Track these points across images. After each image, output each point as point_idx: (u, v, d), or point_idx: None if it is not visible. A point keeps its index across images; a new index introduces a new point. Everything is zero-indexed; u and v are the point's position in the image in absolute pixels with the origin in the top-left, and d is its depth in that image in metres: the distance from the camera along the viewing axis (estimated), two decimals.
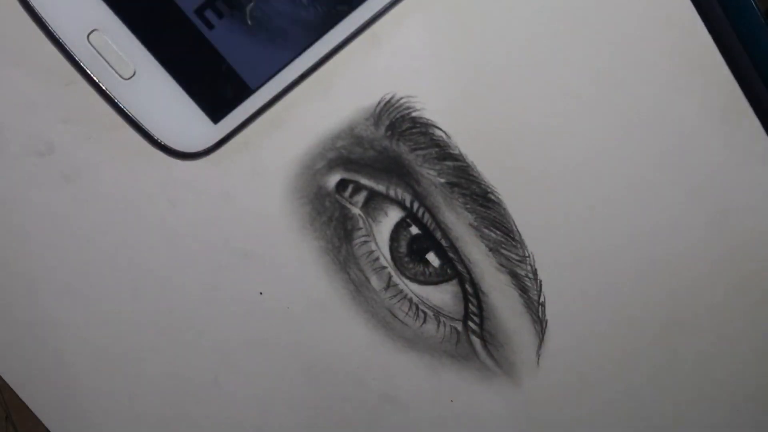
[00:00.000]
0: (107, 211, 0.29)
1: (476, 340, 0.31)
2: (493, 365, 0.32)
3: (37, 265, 0.30)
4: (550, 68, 0.27)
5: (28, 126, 0.28)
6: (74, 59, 0.25)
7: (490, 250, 0.30)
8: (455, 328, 0.31)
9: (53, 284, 0.30)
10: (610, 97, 0.28)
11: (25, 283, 0.30)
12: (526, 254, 0.30)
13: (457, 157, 0.28)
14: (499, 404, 0.32)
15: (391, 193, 0.29)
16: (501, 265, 0.30)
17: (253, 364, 0.32)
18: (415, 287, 0.30)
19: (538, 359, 0.32)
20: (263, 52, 0.26)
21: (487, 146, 0.28)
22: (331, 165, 0.29)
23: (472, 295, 0.30)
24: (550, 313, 0.31)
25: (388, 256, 0.30)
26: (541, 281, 0.30)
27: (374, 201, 0.29)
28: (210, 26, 0.25)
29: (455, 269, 0.30)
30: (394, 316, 0.31)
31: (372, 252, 0.30)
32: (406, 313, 0.31)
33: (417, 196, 0.29)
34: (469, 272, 0.30)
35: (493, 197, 0.29)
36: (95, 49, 0.25)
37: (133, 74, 0.25)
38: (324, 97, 0.27)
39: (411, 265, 0.30)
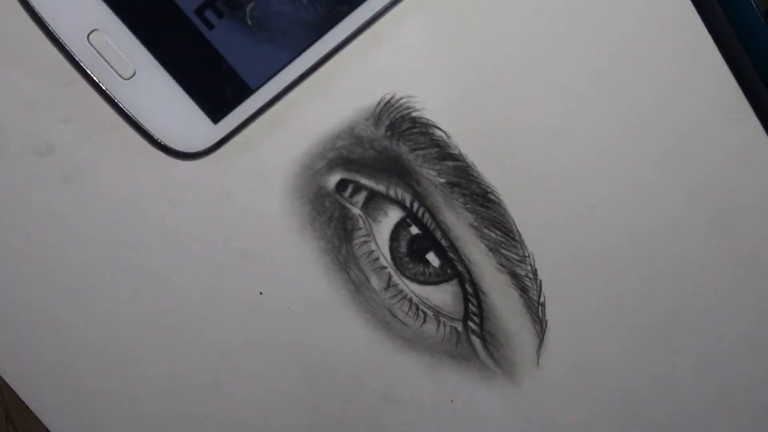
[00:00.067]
0: (107, 211, 0.29)
1: (476, 340, 0.31)
2: (493, 365, 0.32)
3: (37, 265, 0.30)
4: (550, 68, 0.27)
5: (28, 126, 0.28)
6: (74, 59, 0.25)
7: (490, 250, 0.30)
8: (455, 328, 0.31)
9: (53, 284, 0.30)
10: (610, 97, 0.28)
11: (26, 283, 0.30)
12: (526, 254, 0.30)
13: (457, 157, 0.28)
14: (499, 404, 0.32)
15: (391, 193, 0.29)
16: (501, 265, 0.30)
17: (253, 364, 0.32)
18: (415, 287, 0.30)
19: (538, 359, 0.32)
20: (263, 52, 0.26)
21: (487, 146, 0.28)
22: (331, 165, 0.29)
23: (472, 295, 0.30)
24: (550, 313, 0.31)
25: (388, 256, 0.30)
26: (541, 281, 0.30)
27: (374, 201, 0.29)
28: (210, 26, 0.25)
29: (455, 269, 0.30)
30: (394, 316, 0.31)
31: (372, 252, 0.30)
32: (406, 313, 0.31)
33: (417, 196, 0.29)
34: (469, 272, 0.30)
35: (493, 197, 0.29)
36: (95, 49, 0.25)
37: (133, 74, 0.25)
38: (324, 97, 0.27)
39: (411, 265, 0.30)
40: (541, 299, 0.30)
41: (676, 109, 0.28)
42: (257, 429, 0.33)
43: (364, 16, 0.26)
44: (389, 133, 0.28)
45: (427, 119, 0.28)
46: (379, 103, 0.28)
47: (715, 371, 0.32)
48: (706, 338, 0.31)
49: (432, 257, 0.30)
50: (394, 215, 0.29)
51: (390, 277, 0.30)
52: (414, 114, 0.28)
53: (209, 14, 0.25)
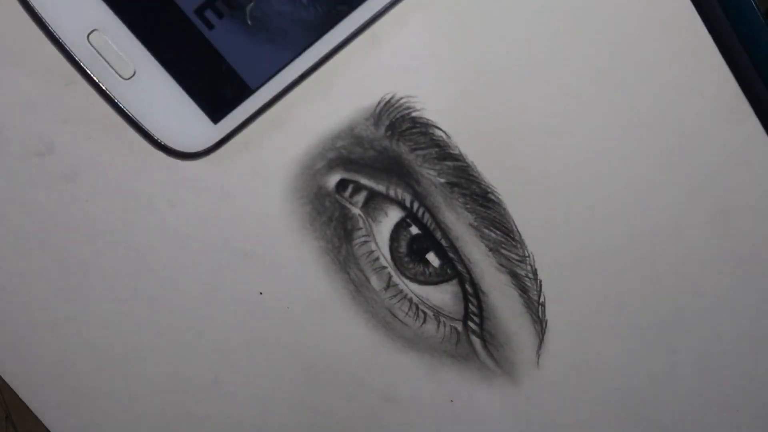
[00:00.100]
0: (107, 212, 0.29)
1: (476, 340, 0.31)
2: (493, 365, 0.32)
3: (37, 265, 0.30)
4: (550, 68, 0.27)
5: (28, 126, 0.28)
6: (74, 59, 0.25)
7: (490, 250, 0.30)
8: (455, 328, 0.31)
9: (53, 284, 0.30)
10: (610, 97, 0.28)
11: (25, 283, 0.30)
12: (526, 254, 0.30)
13: (457, 157, 0.28)
14: (499, 404, 0.32)
15: (391, 193, 0.29)
16: (501, 265, 0.30)
17: (253, 364, 0.32)
18: (415, 287, 0.30)
19: (538, 359, 0.32)
20: (263, 52, 0.26)
21: (487, 146, 0.28)
22: (331, 165, 0.29)
23: (472, 295, 0.30)
24: (550, 313, 0.31)
25: (388, 256, 0.30)
26: (541, 281, 0.30)
27: (374, 201, 0.29)
28: (210, 26, 0.25)
29: (455, 269, 0.30)
30: (394, 316, 0.31)
31: (372, 252, 0.30)
32: (406, 313, 0.31)
33: (417, 196, 0.29)
34: (469, 272, 0.30)
35: (493, 197, 0.29)
36: (95, 49, 0.25)
37: (133, 74, 0.25)
38: (324, 97, 0.27)
39: (411, 265, 0.30)
40: (541, 299, 0.30)
41: (676, 109, 0.28)
42: (257, 429, 0.33)
43: (364, 16, 0.26)
44: (389, 133, 0.28)
45: (427, 119, 0.28)
46: (379, 103, 0.28)
47: (715, 371, 0.32)
48: (706, 338, 0.31)
49: (432, 257, 0.30)
50: (394, 215, 0.29)
51: (390, 277, 0.30)
52: (414, 114, 0.28)
53: (209, 14, 0.25)
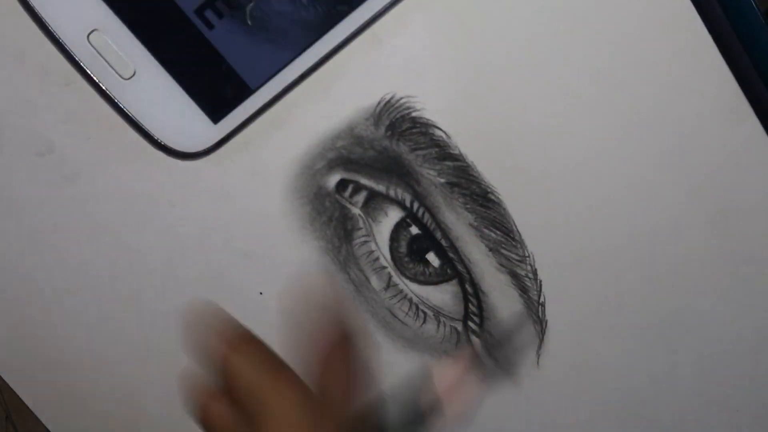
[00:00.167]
0: (107, 211, 0.29)
1: (476, 340, 0.31)
2: (493, 365, 0.32)
3: (37, 265, 0.30)
4: (550, 68, 0.27)
5: (28, 126, 0.28)
6: (74, 59, 0.25)
7: (490, 250, 0.30)
8: (455, 328, 0.31)
9: (53, 284, 0.30)
10: (610, 97, 0.28)
11: (26, 283, 0.30)
12: (526, 254, 0.30)
13: (457, 157, 0.28)
14: (499, 404, 0.32)
15: (391, 193, 0.29)
16: (501, 265, 0.30)
17: None
18: (415, 287, 0.30)
19: (538, 359, 0.32)
20: (263, 52, 0.26)
21: (487, 146, 0.28)
22: (331, 165, 0.29)
23: (472, 295, 0.30)
24: (550, 313, 0.31)
25: (388, 256, 0.30)
26: (541, 281, 0.30)
27: (374, 201, 0.29)
28: (210, 26, 0.25)
29: (455, 269, 0.30)
30: (394, 316, 0.31)
31: (372, 252, 0.30)
32: (406, 313, 0.31)
33: (417, 196, 0.29)
34: (469, 272, 0.30)
35: (493, 197, 0.29)
36: (95, 49, 0.25)
37: (133, 74, 0.25)
38: (324, 97, 0.27)
39: (411, 265, 0.30)
40: (541, 299, 0.30)
41: (676, 109, 0.28)
42: None
43: (364, 16, 0.26)
44: (389, 133, 0.28)
45: (427, 119, 0.28)
46: (379, 103, 0.28)
47: (715, 371, 0.32)
48: (706, 338, 0.31)
49: (432, 257, 0.30)
50: (394, 215, 0.29)
51: (390, 277, 0.30)
52: (414, 114, 0.28)
53: (209, 14, 0.25)
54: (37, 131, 0.28)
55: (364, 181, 0.29)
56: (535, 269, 0.30)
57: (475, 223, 0.29)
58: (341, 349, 0.26)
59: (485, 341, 0.31)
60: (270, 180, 0.29)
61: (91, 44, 0.25)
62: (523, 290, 0.30)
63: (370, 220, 0.29)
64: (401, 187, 0.29)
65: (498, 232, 0.29)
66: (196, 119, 0.26)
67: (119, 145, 0.28)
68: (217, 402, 0.24)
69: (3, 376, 0.31)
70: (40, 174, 0.28)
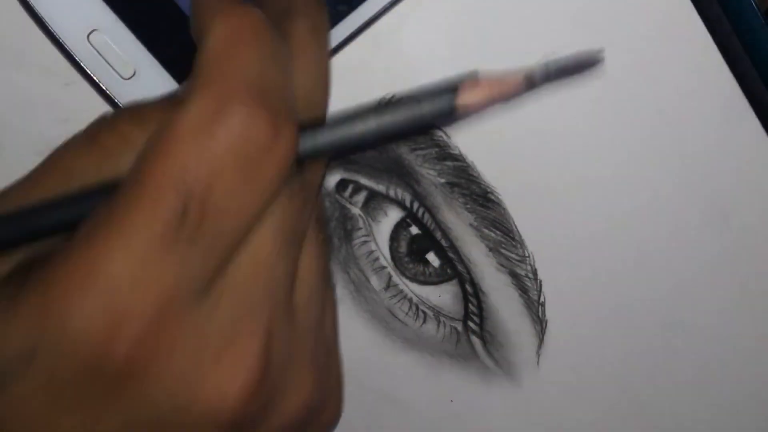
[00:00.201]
0: None
1: (476, 340, 0.31)
2: (493, 365, 0.32)
3: None
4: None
5: (28, 126, 0.28)
6: (74, 59, 0.25)
7: (490, 250, 0.30)
8: (455, 328, 0.31)
9: None
10: (610, 98, 0.28)
11: None
12: (526, 254, 0.30)
13: (457, 157, 0.28)
14: (499, 404, 0.32)
15: (391, 193, 0.29)
16: (501, 265, 0.30)
17: None
18: (415, 287, 0.30)
19: (538, 359, 0.31)
20: None
21: (487, 146, 0.28)
22: (331, 165, 0.29)
23: (472, 295, 0.30)
24: (550, 313, 0.31)
25: (388, 256, 0.30)
26: (541, 281, 0.30)
27: (374, 201, 0.29)
28: None
29: (455, 269, 0.30)
30: (394, 316, 0.31)
31: (372, 252, 0.30)
32: (406, 313, 0.31)
33: (417, 196, 0.29)
34: (469, 272, 0.30)
35: (493, 197, 0.29)
36: (95, 49, 0.25)
37: (133, 74, 0.25)
38: None
39: (411, 265, 0.30)
40: (541, 299, 0.30)
41: (675, 109, 0.28)
42: None
43: (364, 16, 0.26)
44: None
45: None
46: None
47: (715, 371, 0.32)
48: (706, 338, 0.31)
49: (432, 257, 0.30)
50: (394, 215, 0.29)
51: (390, 277, 0.30)
52: None
53: None
54: (37, 131, 0.28)
55: (363, 180, 0.29)
56: (535, 269, 0.30)
57: (475, 223, 0.29)
58: None
59: (485, 341, 0.31)
60: None
61: (91, 44, 0.25)
62: (523, 290, 0.30)
63: (369, 220, 0.29)
64: (401, 187, 0.29)
65: (498, 232, 0.29)
66: None
67: None
68: None
69: None
70: None
